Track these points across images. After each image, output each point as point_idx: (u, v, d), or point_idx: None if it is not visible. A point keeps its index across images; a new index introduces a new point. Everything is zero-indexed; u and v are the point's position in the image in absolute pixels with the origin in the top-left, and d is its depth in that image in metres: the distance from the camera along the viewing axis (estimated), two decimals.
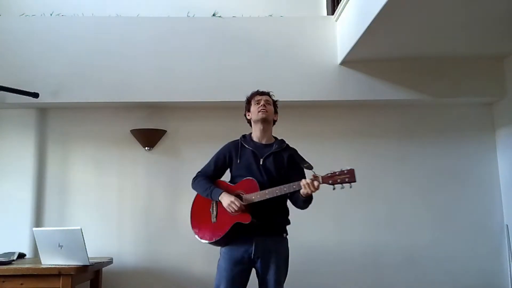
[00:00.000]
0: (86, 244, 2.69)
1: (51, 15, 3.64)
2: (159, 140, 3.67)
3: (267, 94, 2.59)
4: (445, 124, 3.79)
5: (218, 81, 3.51)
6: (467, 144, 3.76)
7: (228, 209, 2.31)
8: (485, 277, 3.57)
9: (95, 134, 3.67)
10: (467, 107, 3.82)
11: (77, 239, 2.67)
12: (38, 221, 3.54)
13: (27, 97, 3.27)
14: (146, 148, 3.65)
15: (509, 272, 3.54)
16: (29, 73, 3.44)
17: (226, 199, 2.32)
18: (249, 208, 2.32)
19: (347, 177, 2.21)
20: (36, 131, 3.68)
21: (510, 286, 3.52)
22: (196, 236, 2.45)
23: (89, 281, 3.21)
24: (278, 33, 3.62)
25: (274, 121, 2.59)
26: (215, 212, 2.42)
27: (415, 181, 3.69)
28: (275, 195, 2.30)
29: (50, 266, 2.73)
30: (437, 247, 3.60)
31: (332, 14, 3.75)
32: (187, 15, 3.68)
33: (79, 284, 2.93)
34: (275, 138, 2.59)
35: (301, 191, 2.26)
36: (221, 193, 2.37)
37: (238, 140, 2.56)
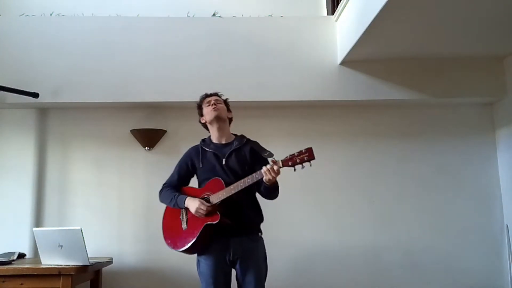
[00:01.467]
0: (86, 244, 2.69)
1: (51, 15, 3.64)
2: (159, 140, 3.67)
3: (215, 94, 2.62)
4: (445, 124, 3.79)
5: (218, 81, 3.50)
6: (467, 144, 3.76)
7: (196, 214, 2.31)
8: (485, 277, 3.57)
9: (95, 134, 3.67)
10: (467, 107, 3.82)
11: (77, 239, 2.67)
12: (38, 221, 3.54)
13: (27, 97, 3.27)
14: (146, 148, 3.65)
15: (509, 272, 3.54)
16: (29, 73, 3.43)
17: (192, 205, 2.32)
18: (219, 208, 2.30)
19: (306, 155, 2.20)
20: (36, 131, 3.67)
21: (510, 286, 3.52)
22: (170, 247, 2.45)
23: (89, 281, 3.21)
24: (278, 33, 3.62)
25: (230, 120, 2.60)
26: (185, 219, 2.41)
27: (415, 181, 3.69)
28: (240, 189, 2.27)
29: (50, 266, 2.73)
30: (437, 247, 3.60)
31: (332, 14, 3.75)
32: (187, 15, 3.68)
33: (79, 284, 2.92)
34: (235, 135, 2.58)
35: (264, 179, 2.23)
36: (185, 199, 2.37)
37: (198, 144, 2.57)
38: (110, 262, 3.26)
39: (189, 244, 2.34)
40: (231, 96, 3.44)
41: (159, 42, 3.56)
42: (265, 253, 2.48)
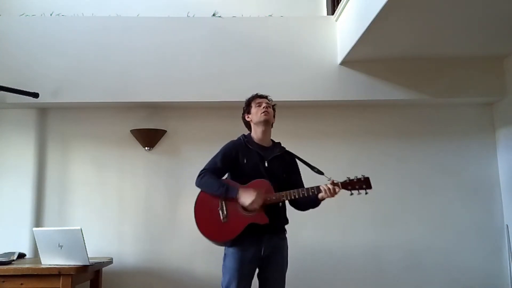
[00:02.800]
0: (86, 244, 2.69)
1: (51, 15, 3.64)
2: (159, 140, 3.67)
3: (266, 97, 2.61)
4: (445, 124, 3.79)
5: (218, 81, 3.51)
6: (467, 144, 3.76)
7: (250, 207, 2.29)
8: (485, 277, 3.57)
9: (95, 134, 3.67)
10: (467, 107, 3.82)
11: (77, 239, 2.67)
12: (38, 221, 3.54)
13: (27, 97, 3.27)
14: (146, 148, 3.65)
15: (509, 272, 3.54)
16: (29, 73, 3.44)
17: (247, 197, 2.29)
18: (262, 207, 2.33)
19: (364, 184, 2.40)
20: (36, 131, 3.67)
21: (510, 286, 3.52)
22: (205, 237, 2.38)
23: (89, 281, 3.21)
24: (278, 33, 3.62)
25: (272, 124, 2.61)
26: (225, 212, 2.35)
27: (415, 181, 3.69)
28: (292, 198, 2.35)
29: (50, 266, 2.73)
30: (437, 246, 3.60)
31: (332, 14, 3.75)
32: (187, 15, 3.68)
33: (79, 284, 2.92)
34: (272, 140, 2.60)
35: (320, 195, 2.34)
36: (239, 190, 2.33)
37: (241, 140, 2.52)
38: (110, 262, 3.25)
39: (230, 239, 2.34)
40: (231, 96, 3.47)
41: (159, 42, 3.56)
42: (287, 252, 2.55)
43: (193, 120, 3.73)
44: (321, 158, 3.66)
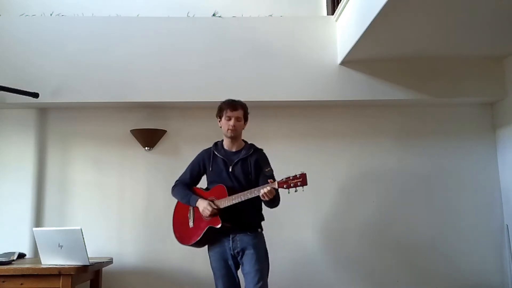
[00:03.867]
0: (86, 244, 2.69)
1: (51, 15, 3.64)
2: (159, 140, 3.67)
3: (239, 106, 2.68)
4: (445, 124, 3.79)
5: (218, 81, 3.51)
6: (467, 144, 3.76)
7: (202, 214, 2.57)
8: (485, 277, 3.57)
9: (95, 134, 3.67)
10: (467, 107, 3.82)
11: (77, 239, 2.67)
12: (38, 221, 3.54)
13: (27, 97, 3.26)
14: (146, 148, 3.65)
15: (509, 272, 3.54)
16: (29, 73, 3.43)
17: (201, 205, 2.57)
18: (221, 212, 2.54)
19: (299, 181, 2.43)
20: (36, 131, 3.67)
21: (510, 286, 3.52)
22: (177, 241, 2.73)
23: (89, 281, 3.21)
24: (278, 33, 3.62)
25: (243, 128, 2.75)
26: (192, 217, 2.68)
27: (415, 181, 3.69)
28: (240, 200, 2.52)
29: (50, 266, 2.72)
30: (437, 246, 3.60)
31: (332, 14, 3.75)
32: (187, 15, 3.68)
33: (79, 284, 2.92)
34: (245, 142, 2.78)
35: (260, 196, 2.47)
36: (198, 199, 2.62)
37: (211, 148, 2.77)
38: (110, 262, 3.25)
39: (193, 242, 2.64)
40: (231, 96, 3.45)
41: (159, 42, 3.56)
42: (265, 247, 2.67)
43: (193, 120, 3.73)
44: (321, 158, 3.70)
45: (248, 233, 2.60)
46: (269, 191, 2.43)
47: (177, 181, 2.81)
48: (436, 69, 3.61)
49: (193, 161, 2.82)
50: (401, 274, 3.55)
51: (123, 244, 3.54)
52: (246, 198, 2.49)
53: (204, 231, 2.58)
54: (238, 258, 2.59)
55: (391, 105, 3.77)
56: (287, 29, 3.64)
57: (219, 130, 3.56)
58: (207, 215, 2.54)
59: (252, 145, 2.76)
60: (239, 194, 2.52)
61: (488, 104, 3.82)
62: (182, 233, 2.71)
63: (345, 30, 3.41)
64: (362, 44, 3.14)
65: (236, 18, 3.66)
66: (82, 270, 2.72)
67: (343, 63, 3.54)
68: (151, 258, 3.52)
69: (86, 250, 2.69)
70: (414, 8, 2.67)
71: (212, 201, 2.57)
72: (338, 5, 3.55)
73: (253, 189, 2.49)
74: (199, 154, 2.81)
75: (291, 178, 2.43)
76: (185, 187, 2.75)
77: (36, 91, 3.28)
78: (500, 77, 3.63)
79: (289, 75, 3.53)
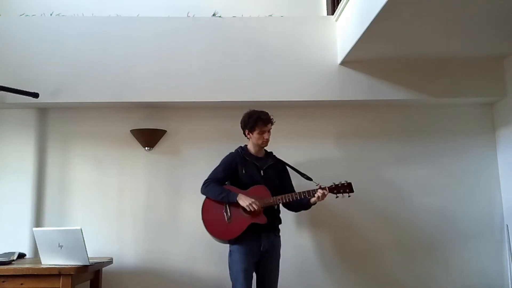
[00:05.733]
0: (86, 244, 2.69)
1: (51, 15, 3.64)
2: (159, 140, 3.67)
3: (271, 121, 2.95)
4: (445, 124, 3.79)
5: (218, 81, 3.51)
6: (467, 144, 3.76)
7: (248, 208, 2.72)
8: (485, 277, 3.57)
9: (95, 134, 3.67)
10: (467, 107, 3.82)
11: (77, 239, 2.67)
12: (38, 221, 3.54)
13: (27, 97, 3.26)
14: (146, 148, 3.65)
15: (509, 272, 3.54)
16: (29, 73, 3.44)
17: (245, 200, 2.74)
18: (262, 209, 2.77)
19: (347, 188, 2.93)
20: (36, 131, 3.67)
21: (510, 286, 3.52)
22: (212, 237, 2.82)
23: (89, 281, 3.21)
24: (278, 33, 3.62)
25: None
26: (229, 214, 2.80)
27: (415, 181, 3.69)
28: (287, 201, 2.83)
29: (50, 266, 2.72)
30: (437, 246, 3.60)
31: (332, 14, 3.74)
32: (187, 15, 3.68)
33: (79, 284, 2.93)
34: (265, 150, 3.05)
35: (312, 200, 2.84)
36: (238, 195, 2.77)
37: (239, 152, 2.98)
38: (110, 262, 3.26)
39: (235, 237, 2.76)
40: (231, 96, 3.48)
41: (159, 42, 3.56)
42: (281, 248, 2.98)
43: (193, 120, 3.73)
44: (321, 158, 3.69)
45: (274, 233, 2.89)
46: (323, 195, 2.78)
47: (208, 179, 2.91)
48: (436, 69, 3.61)
49: (224, 162, 2.96)
50: (401, 274, 3.55)
51: (123, 244, 3.54)
52: (294, 200, 2.81)
53: (247, 227, 2.74)
54: (262, 257, 2.80)
55: (391, 105, 3.77)
56: (287, 29, 3.64)
57: (219, 130, 3.60)
58: (253, 210, 2.70)
59: (272, 153, 3.08)
60: (287, 195, 2.82)
61: (488, 104, 3.82)
62: (218, 228, 2.80)
63: (345, 30, 3.41)
64: (362, 44, 3.13)
65: (236, 18, 3.66)
66: (82, 270, 2.72)
67: (343, 63, 3.54)
68: (151, 258, 3.52)
69: (86, 250, 2.70)
70: (414, 8, 2.67)
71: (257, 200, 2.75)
72: (338, 5, 3.55)
73: (301, 192, 2.82)
74: (229, 156, 2.98)
75: (340, 185, 2.89)
76: (219, 185, 2.87)
77: (36, 91, 3.28)
78: (500, 77, 3.63)
79: (289, 75, 3.53)
